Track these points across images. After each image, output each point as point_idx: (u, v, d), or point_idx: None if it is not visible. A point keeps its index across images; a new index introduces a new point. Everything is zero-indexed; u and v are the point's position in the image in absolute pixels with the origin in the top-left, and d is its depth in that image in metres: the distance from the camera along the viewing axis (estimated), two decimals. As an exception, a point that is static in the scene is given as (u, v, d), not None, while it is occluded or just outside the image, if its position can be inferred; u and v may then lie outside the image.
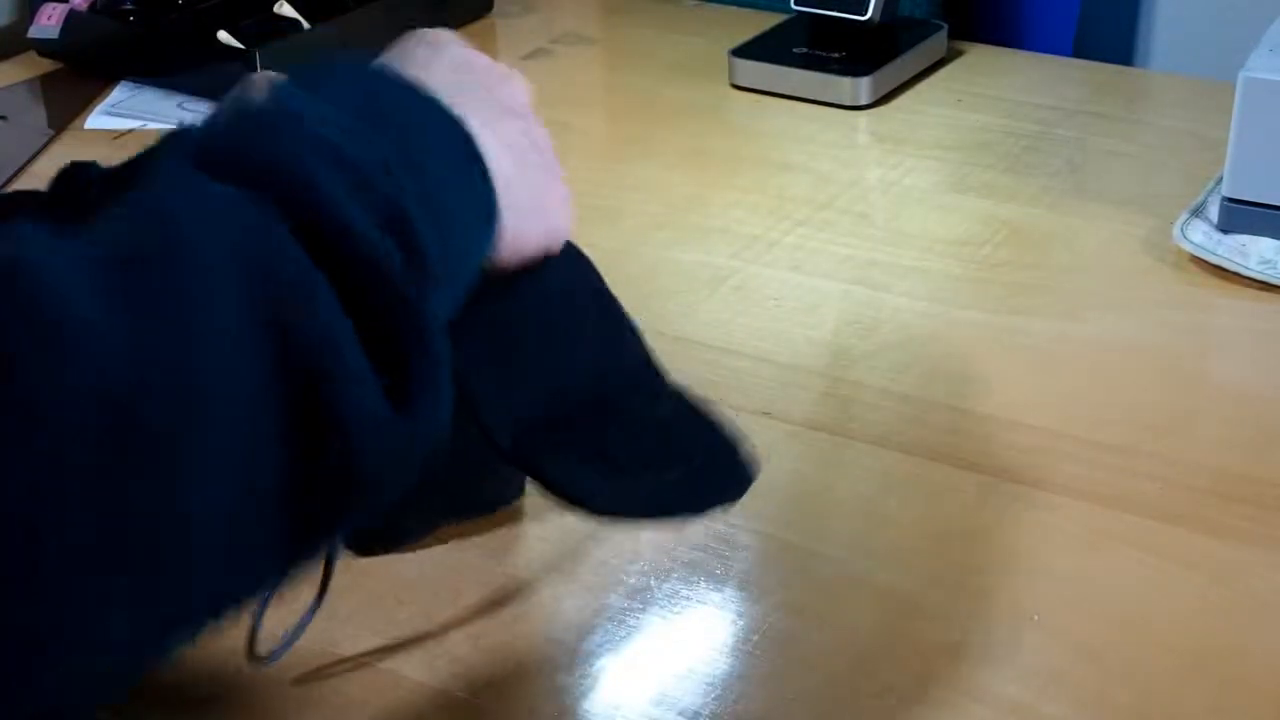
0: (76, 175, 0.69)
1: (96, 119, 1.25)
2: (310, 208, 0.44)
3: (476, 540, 0.76)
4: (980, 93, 1.24)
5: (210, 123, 0.49)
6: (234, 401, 0.41)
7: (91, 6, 1.33)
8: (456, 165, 0.53)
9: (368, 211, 0.45)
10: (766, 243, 1.03)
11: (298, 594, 0.61)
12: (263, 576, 0.45)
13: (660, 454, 0.62)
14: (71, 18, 1.32)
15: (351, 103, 0.50)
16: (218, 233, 0.43)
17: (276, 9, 1.30)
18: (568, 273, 0.66)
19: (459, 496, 0.75)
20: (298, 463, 0.42)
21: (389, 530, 0.74)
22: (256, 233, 0.43)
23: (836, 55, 1.24)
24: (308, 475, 0.43)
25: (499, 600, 0.72)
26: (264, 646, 0.62)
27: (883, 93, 1.23)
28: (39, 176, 1.17)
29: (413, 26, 1.40)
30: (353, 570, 0.73)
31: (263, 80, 0.52)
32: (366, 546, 0.74)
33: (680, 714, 0.66)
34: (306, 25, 1.30)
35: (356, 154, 0.47)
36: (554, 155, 0.63)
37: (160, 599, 0.41)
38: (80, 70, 1.33)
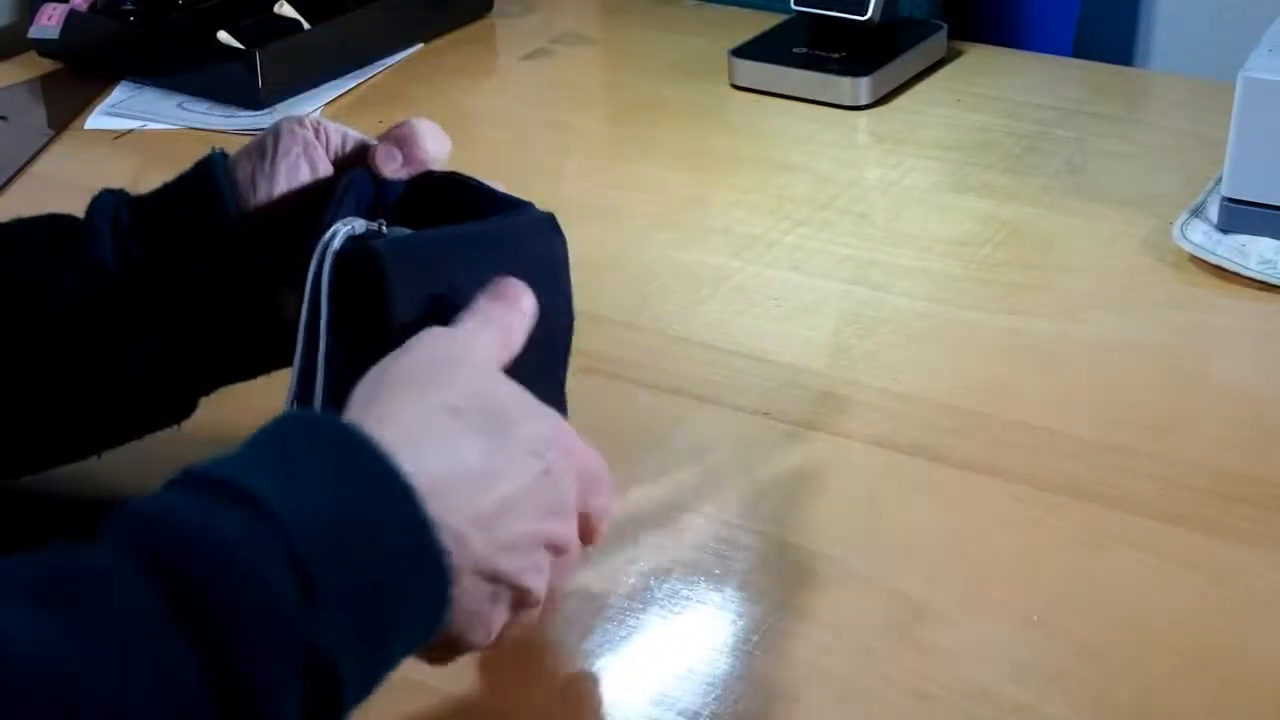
0: (113, 198, 0.71)
1: (96, 119, 1.25)
2: (238, 685, 0.45)
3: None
4: (980, 93, 1.24)
5: (183, 532, 0.47)
6: None
7: (91, 6, 1.33)
8: (414, 601, 0.52)
9: (288, 660, 0.46)
10: (766, 243, 1.03)
11: None
12: None
13: None
14: (71, 18, 1.32)
15: (321, 508, 0.50)
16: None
17: (276, 9, 1.30)
18: None
19: None
20: None
21: None
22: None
23: (836, 55, 1.24)
24: None
25: (499, 600, 0.72)
26: None
27: (883, 93, 1.23)
28: (39, 176, 1.17)
29: (413, 27, 1.39)
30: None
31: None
32: None
33: (680, 714, 0.66)
34: (306, 25, 1.30)
35: (305, 620, 0.47)
36: (569, 496, 0.60)
37: None
38: (80, 70, 1.33)
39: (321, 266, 0.63)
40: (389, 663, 0.52)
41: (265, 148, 0.70)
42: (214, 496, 0.48)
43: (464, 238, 0.65)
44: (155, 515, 0.48)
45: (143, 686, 0.44)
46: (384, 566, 0.50)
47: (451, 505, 0.53)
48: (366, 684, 0.51)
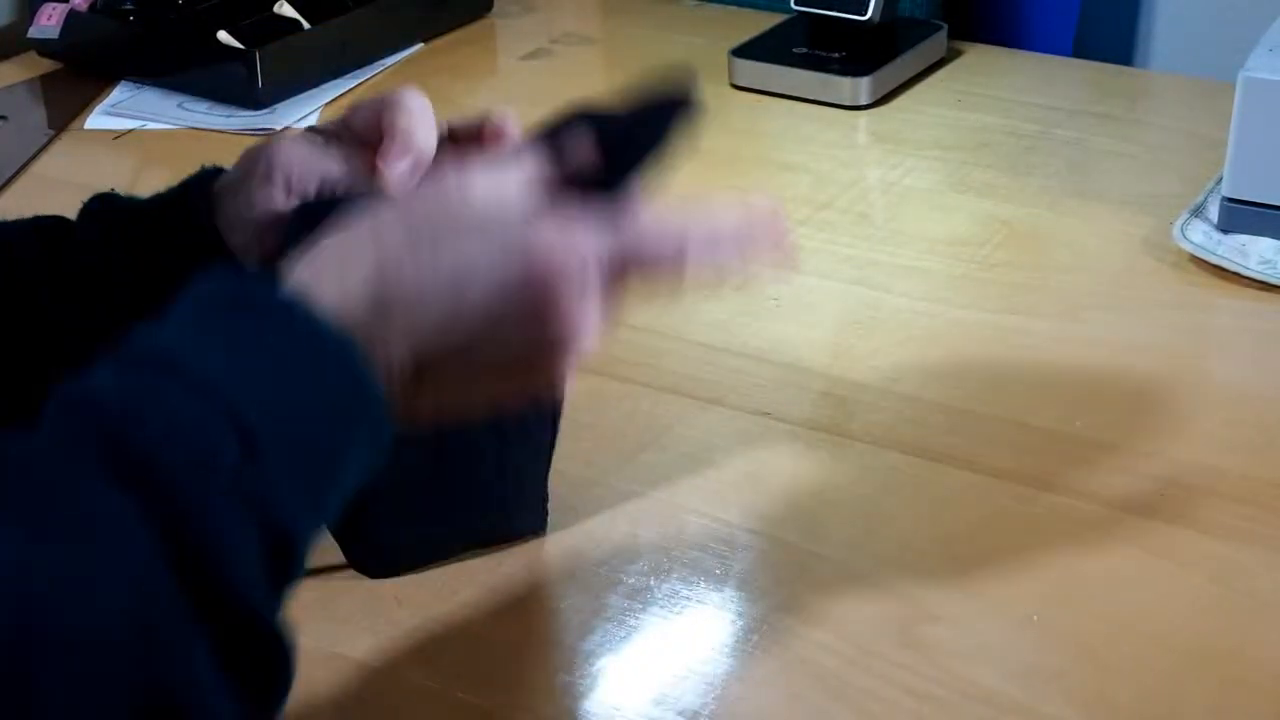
0: (103, 207, 0.70)
1: (96, 119, 1.25)
2: (193, 540, 0.46)
3: (476, 540, 0.76)
4: (980, 93, 1.24)
5: (114, 395, 0.48)
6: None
7: (91, 6, 1.33)
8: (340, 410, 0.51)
9: (238, 509, 0.47)
10: (766, 243, 1.03)
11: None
12: None
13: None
14: (71, 18, 1.32)
15: (256, 355, 0.50)
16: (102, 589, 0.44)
17: (276, 9, 1.30)
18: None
19: (489, 529, 0.75)
20: None
21: (416, 552, 0.73)
22: (142, 584, 0.45)
23: (836, 55, 1.24)
24: None
25: (499, 600, 0.72)
26: None
27: (883, 93, 1.23)
28: (39, 176, 1.17)
29: (413, 27, 1.39)
30: (353, 571, 0.73)
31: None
32: (391, 566, 0.73)
33: (680, 714, 0.66)
34: (306, 25, 1.29)
35: (266, 471, 0.48)
36: (568, 326, 0.55)
37: None
38: (80, 70, 1.33)
39: None
40: (334, 505, 0.52)
41: (244, 168, 0.69)
42: (149, 371, 0.49)
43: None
44: (90, 399, 0.48)
45: (91, 556, 0.44)
46: (320, 419, 0.50)
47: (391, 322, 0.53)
48: (314, 530, 0.51)
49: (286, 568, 0.48)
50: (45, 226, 0.71)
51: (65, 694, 0.43)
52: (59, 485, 0.46)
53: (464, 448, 0.72)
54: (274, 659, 0.48)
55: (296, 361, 0.50)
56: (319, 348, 0.51)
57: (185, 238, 0.68)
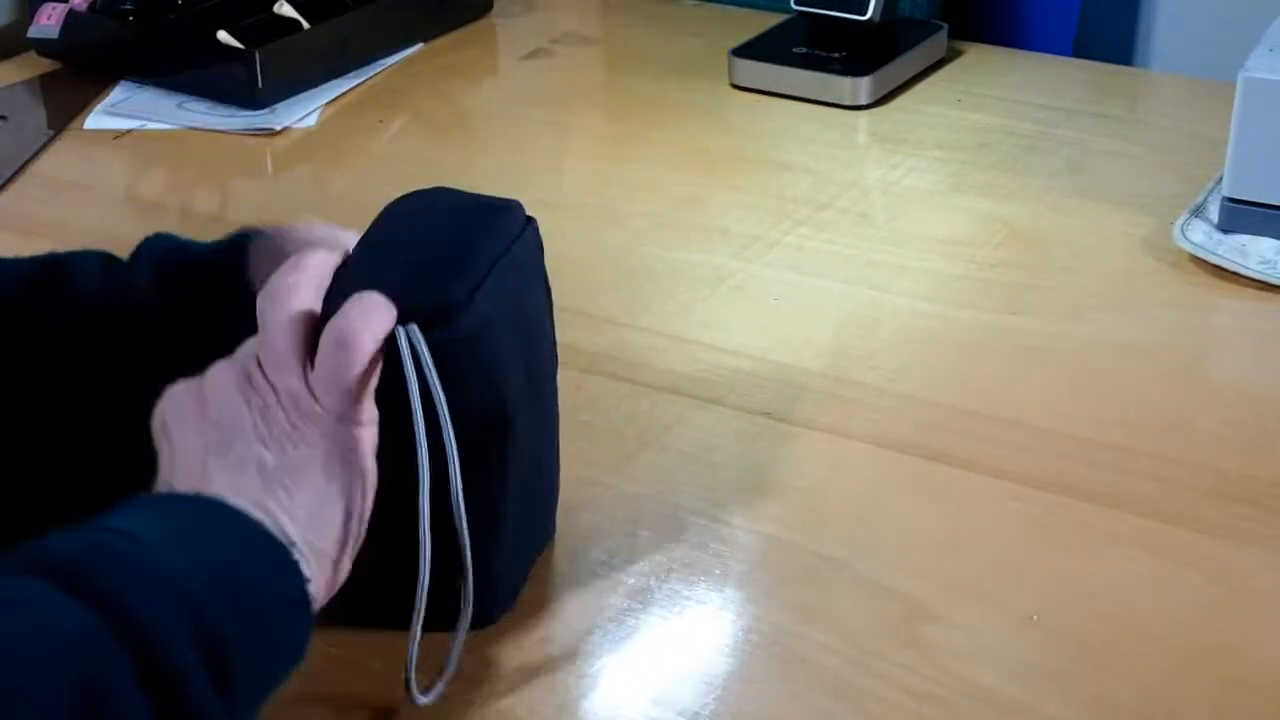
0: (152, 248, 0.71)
1: (96, 119, 1.25)
2: (141, 643, 0.49)
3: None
4: (980, 93, 1.24)
5: (65, 542, 0.52)
6: None
7: (91, 6, 1.33)
8: (274, 582, 0.57)
9: (191, 638, 0.51)
10: (766, 243, 1.03)
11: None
12: None
13: None
14: (71, 18, 1.32)
15: (187, 524, 0.56)
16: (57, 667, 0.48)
17: (276, 9, 1.30)
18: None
19: (539, 541, 0.75)
20: None
21: (509, 593, 0.72)
22: (97, 667, 0.48)
23: (836, 55, 1.24)
24: None
25: (499, 600, 0.72)
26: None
27: (883, 93, 1.23)
28: (39, 176, 1.17)
29: (413, 27, 1.40)
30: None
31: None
32: (489, 616, 0.71)
33: (680, 714, 0.66)
34: (306, 25, 1.29)
35: (186, 580, 0.52)
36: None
37: None
38: (80, 70, 1.33)
39: (423, 372, 0.61)
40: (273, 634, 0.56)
41: (273, 256, 0.69)
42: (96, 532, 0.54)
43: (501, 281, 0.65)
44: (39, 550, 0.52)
45: (37, 644, 0.48)
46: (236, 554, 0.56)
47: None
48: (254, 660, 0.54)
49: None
50: (103, 261, 0.72)
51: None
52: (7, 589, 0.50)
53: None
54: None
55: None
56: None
57: (216, 285, 0.70)
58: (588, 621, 0.71)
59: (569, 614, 0.71)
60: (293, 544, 0.57)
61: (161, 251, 0.72)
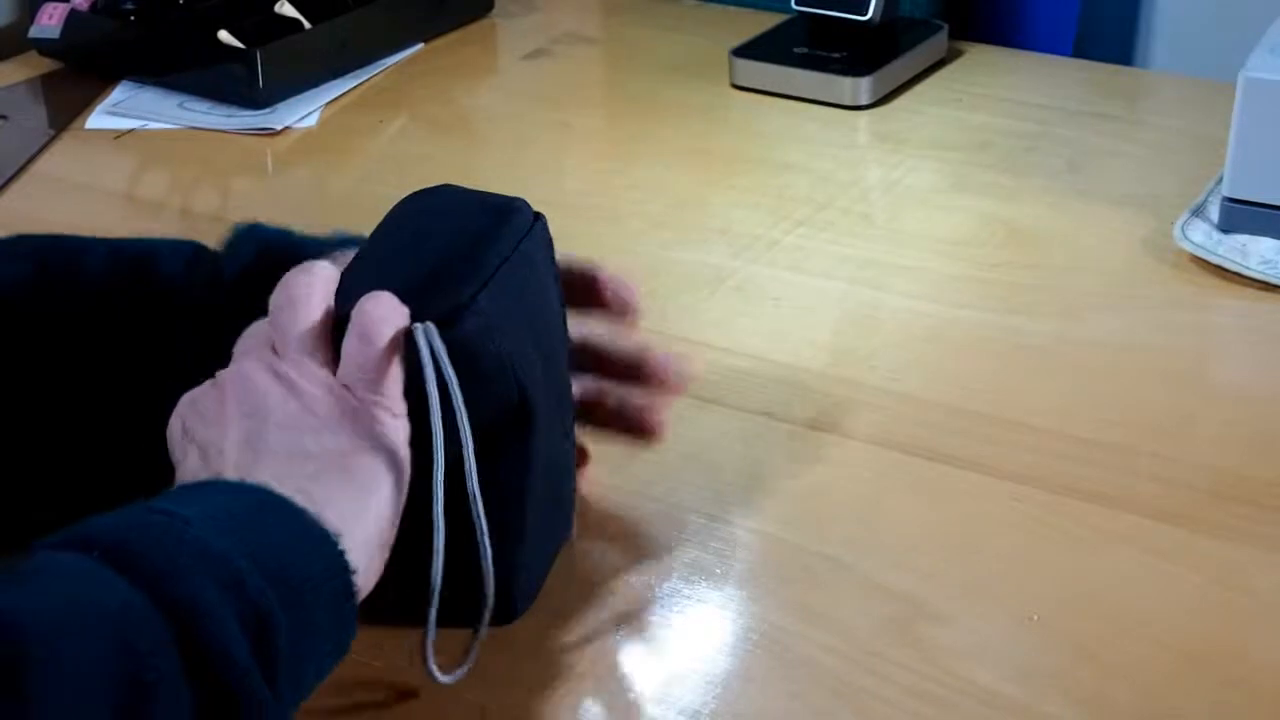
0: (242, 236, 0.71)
1: (97, 119, 1.25)
2: (187, 619, 0.50)
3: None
4: (980, 93, 1.24)
5: (110, 521, 0.54)
6: None
7: (92, 6, 1.33)
8: (318, 566, 0.57)
9: (236, 617, 0.51)
10: (766, 243, 1.03)
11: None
12: None
13: None
14: (72, 17, 1.32)
15: (233, 507, 0.56)
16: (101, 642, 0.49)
17: (277, 9, 1.30)
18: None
19: (560, 535, 0.75)
20: None
21: (531, 589, 0.72)
22: (140, 641, 0.49)
23: (837, 55, 1.24)
24: None
25: (499, 600, 0.72)
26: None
27: (883, 93, 1.23)
28: (39, 176, 1.17)
29: (413, 26, 1.40)
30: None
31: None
32: (513, 610, 0.71)
33: (680, 714, 0.66)
34: (307, 25, 1.30)
35: (233, 558, 0.53)
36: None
37: None
38: (81, 70, 1.33)
39: (441, 371, 0.61)
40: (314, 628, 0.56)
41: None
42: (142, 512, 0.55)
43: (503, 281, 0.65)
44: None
45: (79, 615, 0.49)
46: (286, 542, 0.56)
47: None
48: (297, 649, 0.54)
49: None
50: (192, 250, 0.72)
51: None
52: (62, 568, 0.51)
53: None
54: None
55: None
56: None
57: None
58: (587, 621, 0.71)
59: (569, 613, 0.71)
60: (338, 534, 0.57)
61: (264, 241, 0.72)
